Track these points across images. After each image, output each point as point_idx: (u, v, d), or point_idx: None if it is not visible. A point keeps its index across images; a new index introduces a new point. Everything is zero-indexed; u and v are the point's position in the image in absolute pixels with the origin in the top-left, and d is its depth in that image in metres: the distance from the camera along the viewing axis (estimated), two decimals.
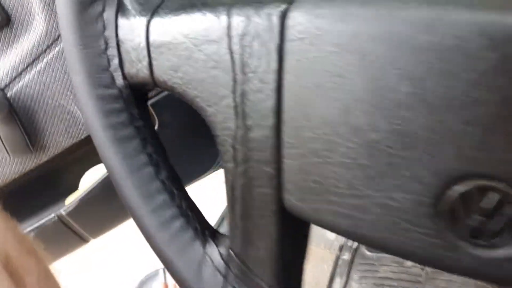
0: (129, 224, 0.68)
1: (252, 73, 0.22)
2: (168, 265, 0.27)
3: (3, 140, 0.48)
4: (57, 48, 0.49)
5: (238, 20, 0.21)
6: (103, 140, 0.27)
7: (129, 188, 0.27)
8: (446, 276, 0.62)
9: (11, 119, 0.48)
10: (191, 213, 0.27)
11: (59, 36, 0.49)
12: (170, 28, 0.24)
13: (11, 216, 0.57)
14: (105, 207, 0.62)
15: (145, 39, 0.25)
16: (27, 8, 0.47)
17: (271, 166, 0.22)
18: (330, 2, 0.19)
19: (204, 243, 0.26)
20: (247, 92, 0.22)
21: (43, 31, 0.48)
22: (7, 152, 0.50)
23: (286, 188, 0.22)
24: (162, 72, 0.25)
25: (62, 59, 0.50)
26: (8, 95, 0.48)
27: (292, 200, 0.22)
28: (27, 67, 0.49)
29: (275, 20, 0.20)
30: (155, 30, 0.25)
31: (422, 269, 0.62)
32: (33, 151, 0.52)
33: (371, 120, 0.19)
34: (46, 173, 0.57)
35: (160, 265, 0.85)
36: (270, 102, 0.21)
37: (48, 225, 0.59)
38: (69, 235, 0.62)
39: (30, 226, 0.58)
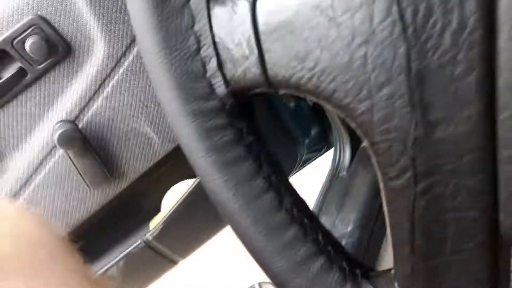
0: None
1: (434, 40, 0.15)
2: None
3: (81, 173, 0.46)
4: (121, 70, 0.46)
5: None
6: (206, 166, 0.22)
7: (246, 223, 0.21)
8: None
9: (86, 151, 0.46)
10: (332, 248, 0.21)
11: (121, 56, 0.46)
12: (289, 1, 0.18)
13: (94, 249, 0.56)
14: (191, 226, 0.60)
15: (251, 26, 0.19)
16: (86, 33, 0.45)
17: (478, 178, 0.16)
18: None
19: (357, 287, 0.21)
20: (428, 70, 0.15)
21: (105, 53, 0.46)
22: (87, 185, 0.48)
23: (506, 207, 0.16)
24: (281, 66, 0.19)
25: (128, 80, 0.47)
26: (80, 126, 0.46)
27: None
28: (94, 94, 0.46)
29: None
30: (265, 10, 0.19)
31: None
32: (112, 180, 0.50)
33: None
34: (126, 200, 0.55)
35: (252, 281, 0.81)
36: (473, 78, 0.15)
37: (136, 252, 0.57)
38: (158, 259, 0.60)
39: (117, 255, 0.57)
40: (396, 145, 0.17)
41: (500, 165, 0.15)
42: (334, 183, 0.68)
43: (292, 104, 0.73)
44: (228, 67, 0.21)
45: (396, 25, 0.15)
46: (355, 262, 0.22)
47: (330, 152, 0.77)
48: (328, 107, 0.19)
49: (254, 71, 0.20)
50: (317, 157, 0.78)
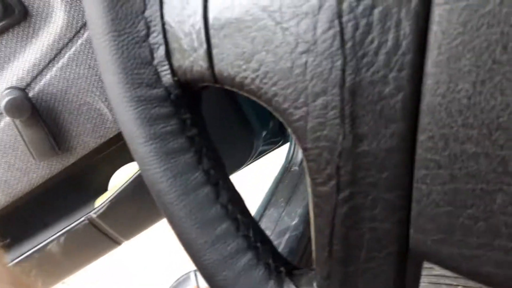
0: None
1: (369, 57, 0.15)
2: None
3: (28, 144, 0.45)
4: (79, 41, 0.45)
5: None
6: (146, 154, 0.21)
7: (181, 214, 0.21)
8: None
9: (35, 121, 0.44)
10: (261, 245, 0.22)
11: (81, 27, 0.45)
12: (240, 0, 0.18)
13: (37, 222, 0.53)
14: (137, 208, 0.59)
15: (202, 18, 0.19)
16: None
17: (394, 193, 0.16)
18: None
19: (280, 284, 0.21)
20: (360, 86, 0.16)
21: (64, 23, 0.44)
22: (33, 157, 0.46)
23: (416, 223, 0.17)
24: (227, 64, 0.19)
25: (86, 52, 0.45)
26: (30, 95, 0.44)
27: (425, 240, 0.17)
28: (48, 63, 0.45)
29: None
30: (217, 5, 0.18)
31: None
32: (59, 154, 0.48)
33: None
34: (73, 175, 0.54)
35: (190, 268, 0.82)
36: (399, 98, 0.15)
37: (79, 228, 0.56)
38: (101, 238, 0.59)
39: (60, 230, 0.56)
40: (324, 154, 0.17)
41: (415, 183, 0.16)
42: (286, 177, 0.69)
43: None
44: (176, 57, 0.20)
45: (336, 38, 0.16)
46: (281, 260, 0.22)
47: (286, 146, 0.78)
48: (268, 109, 0.19)
49: (201, 64, 0.19)
50: (272, 150, 0.79)
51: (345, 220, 0.18)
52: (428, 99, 0.15)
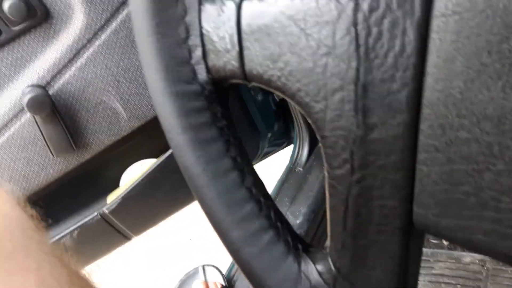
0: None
1: (379, 59, 0.18)
2: (257, 283, 0.24)
3: (46, 140, 0.47)
4: (97, 43, 0.47)
5: None
6: (182, 143, 0.23)
7: (211, 196, 0.24)
8: (509, 273, 0.58)
9: (54, 118, 0.46)
10: (280, 224, 0.24)
11: (99, 29, 0.47)
12: (270, 9, 0.20)
13: (51, 216, 0.55)
14: (147, 204, 0.61)
15: (235, 24, 0.21)
16: (67, 1, 0.45)
17: (400, 174, 0.19)
18: None
19: (298, 259, 0.23)
20: (372, 83, 0.18)
21: (83, 24, 0.46)
22: (51, 152, 0.48)
23: (418, 200, 0.19)
24: (257, 63, 0.21)
25: (103, 53, 0.48)
26: (50, 93, 0.47)
27: (426, 215, 0.19)
28: (68, 63, 0.47)
29: None
30: (249, 13, 0.21)
31: (483, 266, 0.58)
32: (75, 150, 0.51)
33: None
34: (87, 171, 0.56)
35: (199, 263, 0.83)
36: (404, 94, 0.18)
37: (90, 223, 0.58)
38: (112, 233, 0.61)
39: (72, 224, 0.57)
40: (340, 141, 0.20)
41: (417, 165, 0.19)
42: (290, 177, 0.71)
43: (260, 98, 0.75)
44: (211, 57, 0.23)
45: (352, 43, 0.18)
46: (298, 238, 0.25)
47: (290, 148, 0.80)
48: (291, 102, 0.21)
49: (233, 63, 0.22)
50: (277, 151, 0.81)
51: (358, 199, 0.20)
52: (428, 94, 0.18)
